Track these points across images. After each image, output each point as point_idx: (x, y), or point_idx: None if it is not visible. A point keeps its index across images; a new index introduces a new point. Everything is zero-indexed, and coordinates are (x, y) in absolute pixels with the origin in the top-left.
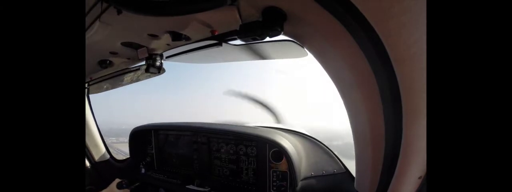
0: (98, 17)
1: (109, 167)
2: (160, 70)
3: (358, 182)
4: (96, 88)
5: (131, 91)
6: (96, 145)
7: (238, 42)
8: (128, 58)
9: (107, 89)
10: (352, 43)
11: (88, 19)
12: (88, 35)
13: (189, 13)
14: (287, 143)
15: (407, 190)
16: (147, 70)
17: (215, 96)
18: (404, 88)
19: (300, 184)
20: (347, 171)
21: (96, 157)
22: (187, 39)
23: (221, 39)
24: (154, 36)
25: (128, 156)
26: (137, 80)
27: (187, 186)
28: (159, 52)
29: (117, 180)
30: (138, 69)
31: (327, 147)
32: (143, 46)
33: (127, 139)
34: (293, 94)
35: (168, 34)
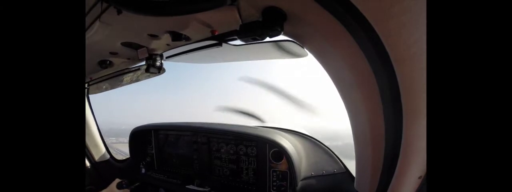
0: (98, 17)
1: (109, 167)
2: (160, 70)
3: (358, 182)
4: (96, 88)
5: (131, 91)
6: (96, 145)
7: (238, 42)
8: (128, 58)
9: (107, 89)
10: (352, 43)
11: (88, 19)
12: (88, 35)
13: (189, 13)
14: (287, 143)
15: (407, 190)
16: (147, 70)
17: (215, 96)
18: (404, 88)
19: (300, 184)
20: (347, 171)
21: (96, 157)
22: (187, 39)
23: (221, 39)
24: (154, 36)
25: (128, 156)
26: (137, 80)
27: (187, 186)
28: (159, 52)
29: (117, 180)
30: (138, 69)
31: (327, 147)
32: (143, 46)
33: (127, 139)
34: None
35: (168, 34)
